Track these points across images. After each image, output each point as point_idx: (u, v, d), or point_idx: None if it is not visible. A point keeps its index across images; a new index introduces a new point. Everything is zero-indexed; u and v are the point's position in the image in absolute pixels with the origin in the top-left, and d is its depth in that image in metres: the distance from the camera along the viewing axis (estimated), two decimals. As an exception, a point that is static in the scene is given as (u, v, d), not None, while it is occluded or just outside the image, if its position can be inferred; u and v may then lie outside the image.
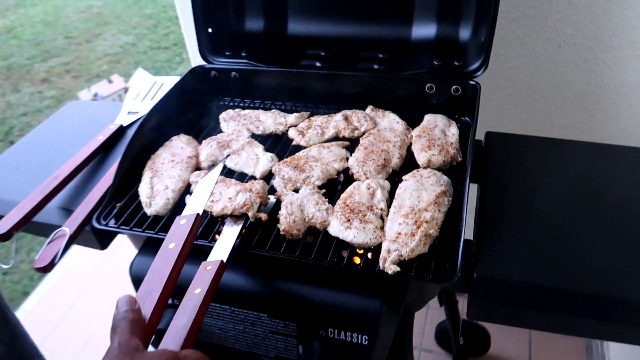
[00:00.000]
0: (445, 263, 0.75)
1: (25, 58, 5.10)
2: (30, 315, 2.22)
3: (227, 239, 0.79)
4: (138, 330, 0.54)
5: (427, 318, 1.95)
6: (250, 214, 0.82)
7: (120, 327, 0.53)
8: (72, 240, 0.88)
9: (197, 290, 0.65)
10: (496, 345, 1.80)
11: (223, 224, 0.86)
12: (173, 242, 0.69)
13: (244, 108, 1.16)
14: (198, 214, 0.75)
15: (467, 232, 0.75)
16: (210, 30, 1.17)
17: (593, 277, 0.74)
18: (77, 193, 1.01)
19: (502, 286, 0.75)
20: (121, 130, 1.18)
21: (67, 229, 0.87)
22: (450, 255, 0.76)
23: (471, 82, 1.00)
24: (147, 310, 0.59)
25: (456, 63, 1.04)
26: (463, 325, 1.71)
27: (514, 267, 0.76)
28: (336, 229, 0.81)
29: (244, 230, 0.83)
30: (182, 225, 0.72)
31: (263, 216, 0.83)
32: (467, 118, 1.03)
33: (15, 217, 0.87)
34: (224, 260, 0.72)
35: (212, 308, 0.83)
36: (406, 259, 0.75)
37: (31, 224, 0.94)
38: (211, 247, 0.82)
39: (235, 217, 0.83)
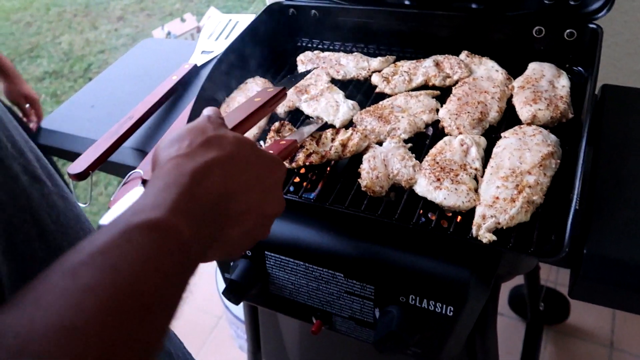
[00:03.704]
0: (550, 235, 0.66)
1: (102, -5, 5.19)
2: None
3: None
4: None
5: (499, 280, 1.86)
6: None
7: (208, 109, 0.55)
8: (146, 182, 0.87)
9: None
10: (576, 314, 1.69)
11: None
12: (259, 97, 0.72)
13: (323, 50, 1.08)
14: (284, 87, 0.76)
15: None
16: (289, -38, 1.07)
17: None
18: (151, 134, 0.99)
19: (616, 266, 0.65)
20: (195, 70, 1.14)
21: (141, 171, 0.85)
22: (557, 226, 0.66)
23: (591, 26, 0.86)
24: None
25: (572, 2, 0.89)
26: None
27: (632, 245, 0.65)
28: (424, 188, 0.73)
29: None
30: (269, 91, 0.75)
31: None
32: (580, 68, 0.89)
33: (91, 157, 0.86)
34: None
35: (285, 262, 0.80)
36: (504, 228, 0.67)
37: (106, 164, 0.94)
38: (286, 199, 0.78)
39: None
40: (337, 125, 0.88)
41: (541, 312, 1.60)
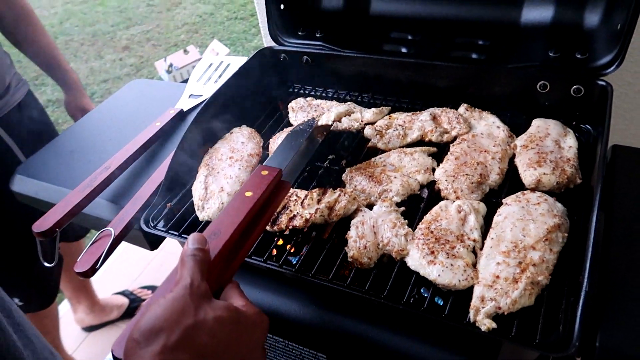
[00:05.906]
0: (557, 321, 0.58)
1: (110, 25, 5.24)
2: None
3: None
4: (206, 273, 0.53)
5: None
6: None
7: (190, 265, 0.52)
8: (119, 240, 0.80)
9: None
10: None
11: (279, 237, 0.75)
12: (250, 191, 0.64)
13: (315, 97, 1.02)
14: (280, 170, 0.68)
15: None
16: (282, 6, 1.03)
17: None
18: (127, 186, 0.93)
19: (634, 362, 0.57)
20: (181, 115, 1.08)
21: (112, 230, 0.78)
22: (565, 313, 0.59)
23: (600, 82, 0.80)
24: (212, 252, 0.56)
25: (579, 56, 0.84)
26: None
27: (651, 338, 0.58)
28: (416, 262, 0.66)
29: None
30: (263, 176, 0.66)
31: None
32: (588, 126, 0.83)
33: (59, 214, 0.80)
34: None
35: (264, 337, 0.72)
36: (505, 313, 0.59)
37: (80, 215, 0.87)
38: (265, 267, 0.71)
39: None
40: (368, 119, 0.91)
41: None
